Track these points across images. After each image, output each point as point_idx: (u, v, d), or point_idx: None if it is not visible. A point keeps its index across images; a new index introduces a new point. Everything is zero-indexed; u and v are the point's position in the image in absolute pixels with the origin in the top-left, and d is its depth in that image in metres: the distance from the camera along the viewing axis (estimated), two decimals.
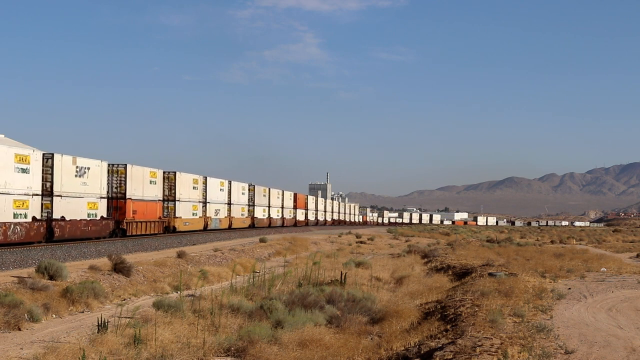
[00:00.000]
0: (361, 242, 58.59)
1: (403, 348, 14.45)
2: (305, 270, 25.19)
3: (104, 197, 40.35)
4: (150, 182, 46.69)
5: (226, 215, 64.09)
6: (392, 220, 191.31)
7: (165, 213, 50.38)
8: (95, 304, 19.50)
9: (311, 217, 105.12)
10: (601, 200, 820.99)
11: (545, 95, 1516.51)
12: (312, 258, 29.50)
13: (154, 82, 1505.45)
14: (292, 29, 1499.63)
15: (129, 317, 16.09)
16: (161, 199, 49.06)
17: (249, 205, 72.57)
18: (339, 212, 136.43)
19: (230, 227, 64.58)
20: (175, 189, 51.10)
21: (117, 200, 42.63)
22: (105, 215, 40.40)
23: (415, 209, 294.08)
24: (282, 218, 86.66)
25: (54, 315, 17.89)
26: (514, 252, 41.93)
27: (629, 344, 13.71)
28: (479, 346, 12.79)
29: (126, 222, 42.70)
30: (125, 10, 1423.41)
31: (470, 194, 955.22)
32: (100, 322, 14.79)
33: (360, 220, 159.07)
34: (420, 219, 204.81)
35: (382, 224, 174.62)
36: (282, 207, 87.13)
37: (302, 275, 24.61)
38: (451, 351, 12.73)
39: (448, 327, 16.01)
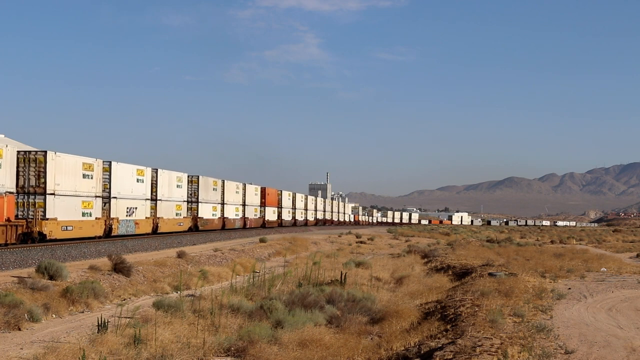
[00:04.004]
0: (361, 242, 58.61)
1: (403, 348, 14.45)
2: (305, 270, 25.19)
3: None
4: None
5: (149, 216, 47.30)
6: (378, 219, 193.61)
7: (28, 213, 34.24)
8: (95, 304, 19.52)
9: (286, 217, 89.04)
10: (601, 200, 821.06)
11: (545, 95, 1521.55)
12: (312, 258, 29.52)
13: (154, 82, 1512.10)
14: (293, 29, 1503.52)
15: (129, 317, 16.10)
16: (12, 191, 32.16)
17: (189, 202, 55.97)
18: (324, 211, 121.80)
19: (155, 232, 48.38)
20: (45, 177, 34.44)
21: None
22: None
23: (415, 209, 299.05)
24: (243, 218, 70.16)
25: (54, 315, 17.89)
26: (514, 252, 41.93)
27: (629, 344, 13.71)
28: (479, 346, 12.79)
29: None
30: (126, 10, 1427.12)
31: (470, 194, 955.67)
32: (100, 322, 14.79)
33: (352, 220, 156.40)
34: (401, 218, 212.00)
35: (372, 223, 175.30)
36: (244, 205, 70.67)
37: (302, 275, 24.62)
38: (451, 351, 12.73)
39: (448, 327, 16.01)
